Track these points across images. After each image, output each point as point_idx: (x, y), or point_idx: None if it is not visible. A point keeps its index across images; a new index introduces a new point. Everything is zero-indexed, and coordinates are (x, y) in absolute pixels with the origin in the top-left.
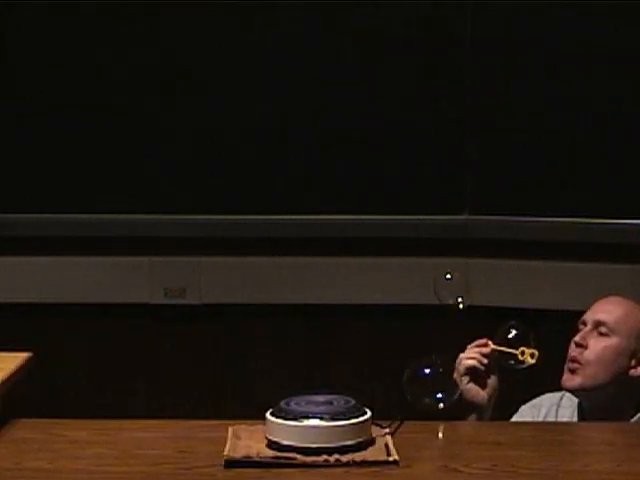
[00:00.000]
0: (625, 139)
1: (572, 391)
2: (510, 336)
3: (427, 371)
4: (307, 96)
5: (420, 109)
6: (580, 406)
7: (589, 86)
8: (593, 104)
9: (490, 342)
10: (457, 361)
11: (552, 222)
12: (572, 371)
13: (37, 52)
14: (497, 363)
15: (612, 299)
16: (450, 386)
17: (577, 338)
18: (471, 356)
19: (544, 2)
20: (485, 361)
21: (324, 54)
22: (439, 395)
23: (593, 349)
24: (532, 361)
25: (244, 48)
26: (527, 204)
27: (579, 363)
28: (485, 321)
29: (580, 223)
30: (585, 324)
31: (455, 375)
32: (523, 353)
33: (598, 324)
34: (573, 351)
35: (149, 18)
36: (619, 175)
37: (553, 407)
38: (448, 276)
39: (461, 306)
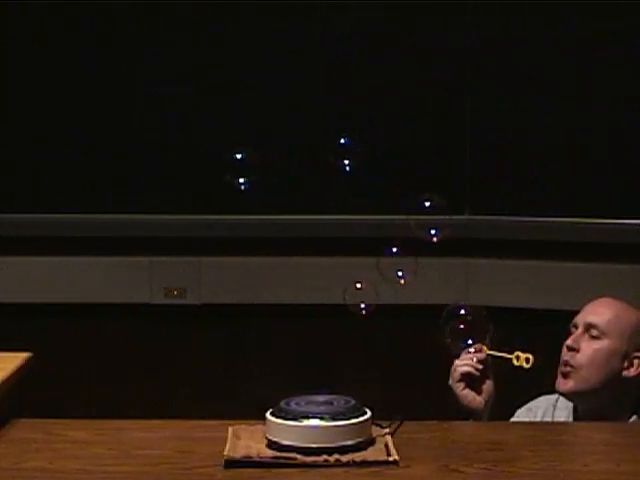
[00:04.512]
0: (625, 139)
1: (566, 395)
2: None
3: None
4: (307, 96)
5: (420, 109)
6: (575, 409)
7: (589, 86)
8: (593, 104)
9: (484, 347)
10: (452, 368)
11: (552, 222)
12: (565, 375)
13: (37, 52)
14: (492, 368)
15: (602, 301)
16: None
17: (569, 342)
18: (466, 362)
19: (544, 2)
20: (480, 367)
21: (324, 55)
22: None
23: (585, 352)
24: (527, 366)
25: (244, 48)
26: (527, 204)
27: (572, 367)
28: None
29: (580, 223)
30: (576, 327)
31: (450, 382)
32: (518, 358)
33: (589, 327)
34: (565, 355)
35: (149, 19)
36: (619, 175)
37: (549, 409)
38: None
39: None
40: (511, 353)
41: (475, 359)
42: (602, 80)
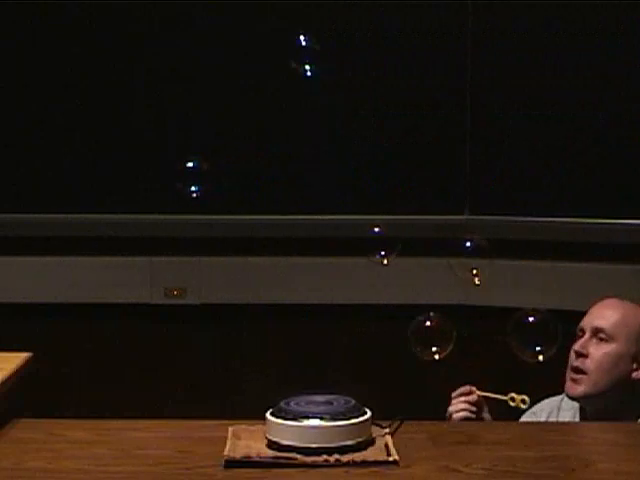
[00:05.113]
0: (625, 139)
1: (576, 399)
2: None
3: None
4: (308, 96)
5: (421, 109)
6: (583, 410)
7: (589, 87)
8: (593, 104)
9: (474, 388)
10: (447, 415)
11: (552, 222)
12: (575, 380)
13: (38, 53)
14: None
15: (608, 303)
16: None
17: (577, 347)
18: (460, 408)
19: (545, 2)
20: (474, 409)
21: (324, 55)
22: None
23: (594, 357)
24: (524, 406)
25: (244, 49)
26: (527, 204)
27: (582, 372)
28: (485, 321)
29: (580, 223)
30: (583, 331)
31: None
32: (513, 399)
33: (597, 331)
34: (575, 361)
35: (147, 19)
36: (619, 175)
37: (554, 411)
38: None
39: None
40: (505, 394)
41: (468, 403)
42: (602, 80)
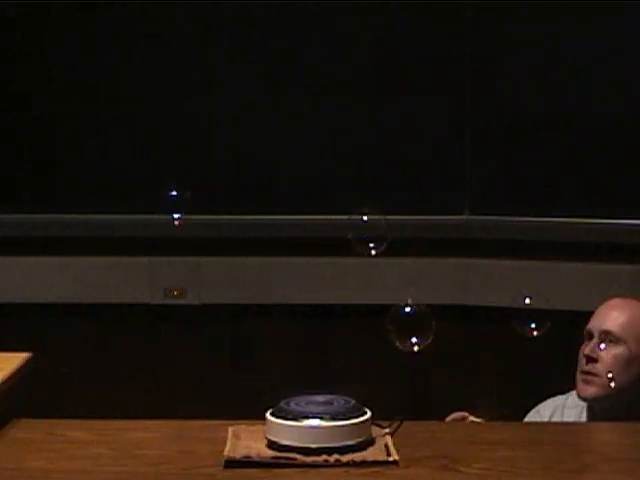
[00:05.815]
0: (625, 139)
1: (588, 400)
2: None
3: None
4: (307, 97)
5: (421, 109)
6: (590, 409)
7: (589, 86)
8: (593, 104)
9: (466, 414)
10: None
11: (552, 222)
12: (587, 382)
13: (38, 53)
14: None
15: (614, 303)
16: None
17: (587, 351)
18: None
19: (544, 2)
20: None
21: (324, 54)
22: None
23: (604, 360)
24: None
25: (245, 49)
26: (527, 204)
27: (593, 375)
28: (484, 321)
29: (580, 223)
30: (591, 334)
31: None
32: None
33: (605, 334)
34: (585, 365)
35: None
36: (619, 175)
37: (558, 409)
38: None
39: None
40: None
41: None
42: (603, 80)
